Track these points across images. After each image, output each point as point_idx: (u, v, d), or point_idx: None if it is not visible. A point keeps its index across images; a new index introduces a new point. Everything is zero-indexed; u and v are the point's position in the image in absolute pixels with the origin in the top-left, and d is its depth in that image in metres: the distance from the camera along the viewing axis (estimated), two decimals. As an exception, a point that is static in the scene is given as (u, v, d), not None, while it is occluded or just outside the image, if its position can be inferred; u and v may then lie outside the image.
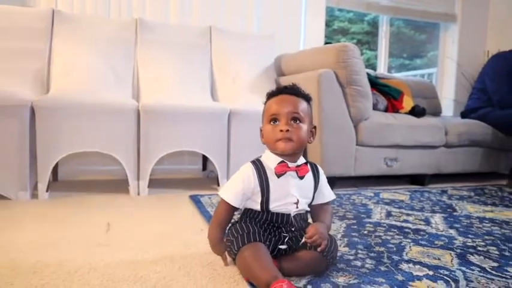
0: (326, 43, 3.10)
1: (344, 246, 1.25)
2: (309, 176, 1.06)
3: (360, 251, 1.20)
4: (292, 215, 1.03)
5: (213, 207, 1.74)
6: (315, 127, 1.06)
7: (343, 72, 2.22)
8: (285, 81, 2.61)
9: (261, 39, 2.81)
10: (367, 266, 1.08)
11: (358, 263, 1.10)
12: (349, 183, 2.42)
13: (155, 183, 2.07)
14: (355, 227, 1.49)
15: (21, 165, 1.81)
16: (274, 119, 1.01)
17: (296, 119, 1.00)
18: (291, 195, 1.02)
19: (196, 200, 1.88)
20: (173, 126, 2.03)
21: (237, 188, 1.02)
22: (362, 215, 1.68)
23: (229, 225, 1.07)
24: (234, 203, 1.02)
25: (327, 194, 1.11)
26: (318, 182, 1.08)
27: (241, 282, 0.97)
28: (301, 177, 1.03)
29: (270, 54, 2.76)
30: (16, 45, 2.18)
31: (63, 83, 2.12)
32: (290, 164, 1.02)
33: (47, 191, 1.87)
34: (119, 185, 2.16)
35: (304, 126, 1.01)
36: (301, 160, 1.05)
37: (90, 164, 2.51)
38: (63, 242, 1.25)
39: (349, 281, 0.98)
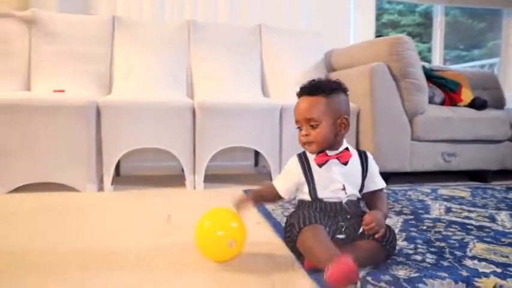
0: (377, 37, 3.03)
1: (402, 241, 1.23)
2: (356, 162, 1.08)
3: (419, 246, 1.18)
4: (344, 201, 1.05)
5: (266, 202, 1.78)
6: (345, 118, 1.05)
7: (397, 65, 2.16)
8: (336, 76, 2.58)
9: (310, 35, 2.81)
10: (428, 260, 1.06)
11: (418, 257, 1.08)
12: (404, 179, 2.35)
13: (210, 178, 2.14)
14: (413, 222, 1.46)
15: (88, 161, 1.95)
16: (297, 126, 1.09)
17: (312, 123, 1.04)
18: (336, 181, 1.05)
19: (249, 195, 1.93)
20: (226, 123, 2.09)
21: (285, 179, 1.11)
22: (420, 211, 1.63)
23: (289, 214, 1.11)
24: (281, 191, 1.10)
25: (378, 181, 1.11)
26: (367, 169, 1.09)
27: (299, 269, 0.99)
28: (345, 163, 1.05)
29: (318, 50, 2.75)
30: (82, 51, 2.35)
31: (124, 84, 2.27)
32: (330, 153, 1.05)
33: (111, 184, 2.00)
34: (176, 180, 2.26)
35: (324, 127, 1.03)
36: (343, 147, 1.08)
37: (149, 160, 2.64)
38: (129, 231, 1.35)
39: (410, 274, 0.96)
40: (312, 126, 1.04)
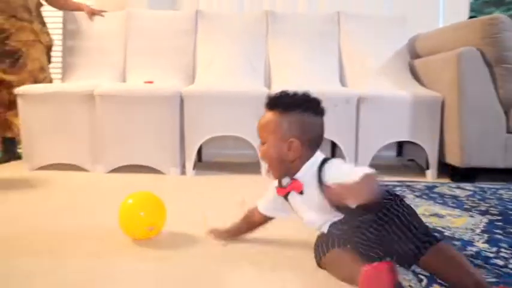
0: (471, 18, 2.76)
1: (483, 243, 1.14)
2: (311, 185, 0.93)
3: (503, 250, 1.09)
4: (325, 229, 0.95)
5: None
6: (292, 142, 0.92)
7: (490, 49, 1.96)
8: (420, 64, 2.44)
9: (392, 20, 2.66)
10: (511, 266, 0.98)
11: (500, 262, 1.00)
12: (496, 177, 2.14)
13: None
14: (500, 223, 1.34)
15: (173, 146, 2.13)
16: None
17: (262, 140, 0.98)
18: (302, 212, 0.99)
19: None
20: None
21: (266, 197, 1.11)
22: (510, 212, 1.49)
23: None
24: (262, 210, 1.10)
25: (350, 178, 0.80)
26: (321, 181, 0.91)
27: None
28: (301, 192, 0.95)
29: (402, 36, 2.60)
30: (168, 44, 2.55)
31: (205, 74, 2.41)
32: (285, 181, 0.99)
33: (193, 169, 2.16)
34: (253, 167, 2.35)
35: (269, 146, 0.95)
36: (300, 172, 0.95)
37: (228, 148, 2.77)
38: (209, 213, 1.45)
39: (486, 279, 0.90)
40: (263, 143, 0.98)
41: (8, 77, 2.36)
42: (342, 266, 0.87)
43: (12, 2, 2.35)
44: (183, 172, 2.17)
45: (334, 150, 2.69)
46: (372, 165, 2.14)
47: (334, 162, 0.94)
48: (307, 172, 0.94)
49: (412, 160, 2.56)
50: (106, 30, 2.61)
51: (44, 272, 0.95)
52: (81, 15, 2.62)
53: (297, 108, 0.94)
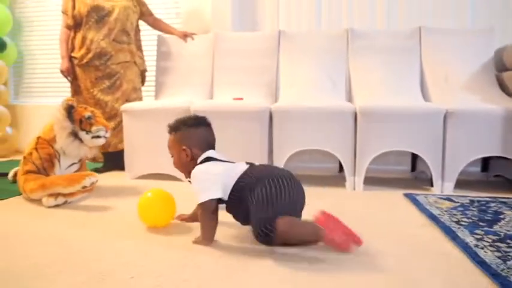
0: None
1: None
2: None
3: None
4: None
5: (431, 206, 1.78)
6: (183, 149, 1.37)
7: None
8: (509, 77, 2.38)
9: (477, 33, 2.62)
10: None
11: None
12: None
13: (368, 180, 2.23)
14: None
15: (261, 160, 2.25)
16: None
17: (171, 155, 1.44)
18: None
19: (412, 198, 1.95)
20: (388, 127, 2.14)
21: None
22: None
23: None
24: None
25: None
26: None
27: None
28: None
29: (487, 49, 2.55)
30: (252, 64, 2.71)
31: (289, 91, 2.53)
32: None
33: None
34: (333, 180, 2.42)
35: (175, 158, 1.42)
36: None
37: (303, 161, 2.85)
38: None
39: None
40: (172, 156, 1.43)
41: (105, 98, 2.61)
42: (297, 228, 1.23)
43: (114, 28, 2.59)
44: (270, 183, 2.28)
45: (415, 164, 2.68)
46: (458, 181, 2.15)
47: (193, 173, 1.33)
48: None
49: (498, 176, 2.48)
50: (195, 51, 2.83)
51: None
52: (172, 38, 2.88)
53: (181, 127, 1.40)
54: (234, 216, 1.38)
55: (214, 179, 1.30)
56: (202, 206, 1.29)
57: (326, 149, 2.24)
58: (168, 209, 1.49)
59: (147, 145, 2.39)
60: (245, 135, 2.26)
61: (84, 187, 1.73)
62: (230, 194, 1.30)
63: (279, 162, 2.25)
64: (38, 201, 1.84)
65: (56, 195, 1.78)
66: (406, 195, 2.03)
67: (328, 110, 2.21)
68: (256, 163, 1.42)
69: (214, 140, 1.44)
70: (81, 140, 1.98)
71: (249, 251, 1.24)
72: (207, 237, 1.31)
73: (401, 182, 2.47)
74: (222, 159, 1.39)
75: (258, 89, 2.63)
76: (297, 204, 1.30)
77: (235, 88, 2.65)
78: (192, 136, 1.39)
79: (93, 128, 1.97)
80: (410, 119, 2.14)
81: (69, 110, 1.95)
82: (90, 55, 2.55)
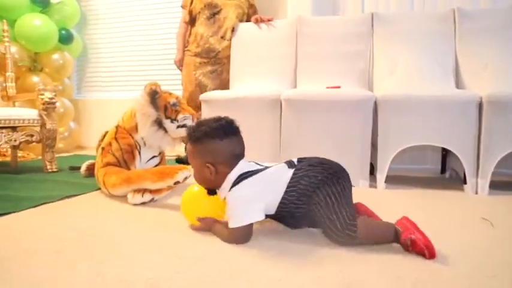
0: None
1: None
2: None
3: None
4: None
5: None
6: (207, 166, 1.14)
7: None
8: None
9: None
10: None
11: None
12: None
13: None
14: None
15: (363, 156, 1.93)
16: None
17: (191, 165, 1.21)
18: None
19: None
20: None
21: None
22: None
23: None
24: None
25: (229, 221, 1.13)
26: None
27: None
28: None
29: None
30: (341, 50, 2.40)
31: (390, 80, 2.19)
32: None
33: (385, 181, 1.93)
34: (441, 183, 2.05)
35: (196, 170, 1.19)
36: (222, 187, 1.17)
37: (397, 162, 2.50)
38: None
39: None
40: (192, 167, 1.21)
41: (206, 81, 2.59)
42: (374, 230, 1.09)
43: (222, 26, 2.60)
44: (372, 185, 1.95)
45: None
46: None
47: (232, 196, 1.13)
48: (225, 188, 1.16)
49: None
50: (274, 37, 2.56)
51: None
52: (250, 25, 2.63)
53: (203, 138, 1.15)
54: (280, 221, 1.23)
55: (259, 200, 1.13)
56: (233, 231, 1.11)
57: (443, 146, 1.90)
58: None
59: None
60: (345, 128, 1.95)
61: (177, 182, 1.48)
62: (279, 207, 1.14)
63: (385, 159, 1.93)
64: (120, 197, 1.62)
65: (143, 191, 1.54)
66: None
67: (446, 100, 1.86)
68: (295, 160, 1.20)
69: (243, 148, 1.19)
70: (165, 130, 1.75)
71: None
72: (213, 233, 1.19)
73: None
74: (256, 168, 1.17)
75: (349, 77, 2.32)
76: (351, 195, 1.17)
77: (321, 76, 2.35)
78: (217, 151, 1.14)
79: (179, 116, 1.74)
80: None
81: (153, 96, 1.72)
82: (199, 49, 2.59)
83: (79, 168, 2.19)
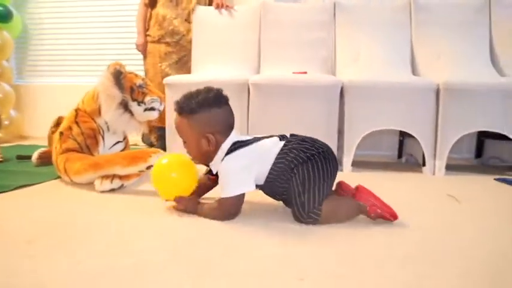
0: None
1: None
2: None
3: None
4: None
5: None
6: (207, 136, 1.11)
7: None
8: None
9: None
10: None
11: None
12: None
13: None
14: None
15: (331, 141, 1.97)
16: None
17: (183, 139, 1.16)
18: None
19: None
20: (478, 104, 1.90)
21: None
22: None
23: None
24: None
25: (223, 189, 1.12)
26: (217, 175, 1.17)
27: None
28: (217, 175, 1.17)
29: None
30: (305, 37, 2.42)
31: (353, 67, 2.26)
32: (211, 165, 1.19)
33: (352, 165, 1.99)
34: (400, 166, 2.16)
35: (190, 144, 1.15)
36: (214, 160, 1.15)
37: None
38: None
39: None
40: (184, 142, 1.17)
41: (172, 73, 2.47)
42: (337, 213, 1.11)
43: (186, 8, 2.52)
44: (340, 169, 2.00)
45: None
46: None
47: (225, 166, 1.11)
48: (217, 161, 1.14)
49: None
50: (237, 23, 2.52)
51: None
52: (210, 9, 2.56)
53: (201, 108, 1.10)
54: (268, 194, 1.22)
55: (250, 170, 1.11)
56: (223, 202, 1.11)
57: (403, 129, 2.00)
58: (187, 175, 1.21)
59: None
60: (312, 113, 1.98)
61: (149, 167, 1.40)
62: (267, 177, 1.13)
63: (351, 143, 1.99)
64: (84, 185, 1.51)
65: (112, 177, 1.44)
66: (498, 179, 1.80)
67: (408, 86, 1.96)
68: (288, 135, 1.19)
69: (234, 119, 1.18)
70: (131, 113, 1.65)
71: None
72: (200, 215, 1.15)
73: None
74: (248, 139, 1.17)
75: (313, 64, 2.35)
76: (335, 178, 1.17)
77: (285, 63, 2.36)
78: (215, 120, 1.12)
79: (147, 99, 1.65)
80: (493, 96, 1.90)
81: (118, 76, 1.61)
82: (162, 32, 2.50)
83: (28, 157, 2.00)
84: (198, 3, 2.55)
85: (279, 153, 1.12)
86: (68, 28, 3.30)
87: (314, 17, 2.46)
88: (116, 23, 3.21)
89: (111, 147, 1.71)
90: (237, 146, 1.12)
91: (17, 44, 3.31)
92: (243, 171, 1.10)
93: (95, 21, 3.26)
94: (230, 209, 1.11)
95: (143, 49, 2.57)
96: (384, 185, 1.69)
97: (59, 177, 1.64)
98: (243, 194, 1.11)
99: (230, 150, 1.11)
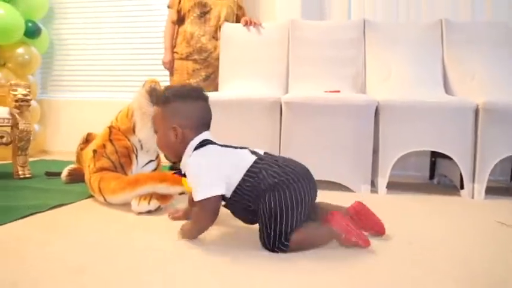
0: None
1: None
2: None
3: None
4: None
5: None
6: (174, 128, 1.08)
7: None
8: None
9: None
10: None
11: None
12: None
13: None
14: None
15: (365, 161, 1.92)
16: None
17: (155, 130, 1.15)
18: None
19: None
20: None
21: None
22: None
23: None
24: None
25: (194, 192, 1.06)
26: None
27: None
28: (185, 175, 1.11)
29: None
30: (334, 54, 2.39)
31: (384, 85, 2.21)
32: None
33: (387, 186, 1.93)
34: (434, 189, 2.09)
35: (160, 135, 1.13)
36: (183, 159, 1.10)
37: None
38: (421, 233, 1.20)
39: None
40: (155, 132, 1.15)
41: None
42: (307, 244, 1.04)
43: (214, 25, 2.52)
44: (373, 190, 1.94)
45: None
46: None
47: (192, 161, 1.06)
48: (186, 160, 1.09)
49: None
50: (264, 40, 2.51)
51: None
52: (238, 26, 2.55)
53: (174, 99, 1.09)
54: (234, 214, 1.14)
55: (219, 171, 1.04)
56: (204, 203, 1.03)
57: (441, 151, 1.93)
58: None
59: (222, 142, 2.03)
60: (345, 132, 1.93)
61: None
62: (234, 191, 1.05)
63: (386, 164, 1.93)
64: (119, 206, 1.47)
65: (149, 198, 1.40)
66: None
67: (446, 106, 1.90)
68: (261, 152, 1.12)
69: (210, 118, 1.15)
70: (166, 132, 1.62)
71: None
72: (195, 235, 1.10)
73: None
74: (220, 143, 1.11)
75: (343, 82, 2.31)
76: (311, 203, 1.09)
77: (314, 81, 2.33)
78: (187, 112, 1.09)
79: (182, 117, 1.61)
80: None
81: (153, 94, 1.58)
82: (190, 49, 2.50)
83: (58, 174, 1.98)
84: (226, 20, 2.55)
85: (249, 169, 1.04)
86: (93, 44, 3.33)
87: (343, 34, 2.43)
88: (141, 39, 3.24)
89: (143, 166, 1.68)
90: (206, 143, 1.08)
91: (42, 59, 3.34)
92: (213, 170, 1.04)
93: (119, 37, 3.29)
94: (208, 212, 1.05)
95: (170, 66, 2.56)
96: (424, 209, 1.63)
97: (91, 196, 1.61)
98: (219, 199, 1.04)
99: (198, 147, 1.07)
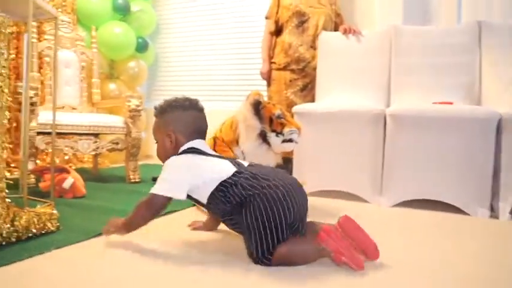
0: None
1: None
2: None
3: None
4: None
5: None
6: (168, 134, 1.17)
7: None
8: None
9: None
10: None
11: None
12: None
13: None
14: None
15: (484, 182, 1.72)
16: None
17: (156, 141, 1.24)
18: None
19: None
20: None
21: None
22: None
23: None
24: None
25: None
26: None
27: None
28: None
29: None
30: (443, 62, 2.19)
31: (504, 97, 1.96)
32: None
33: (510, 212, 1.69)
34: None
35: (159, 144, 1.22)
36: None
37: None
38: None
39: None
40: (156, 143, 1.23)
41: (297, 100, 2.45)
42: (297, 255, 1.04)
43: (312, 35, 2.48)
44: (493, 215, 1.72)
45: None
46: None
47: (167, 163, 1.13)
48: None
49: None
50: (364, 48, 2.40)
51: None
52: (336, 35, 2.49)
53: (169, 109, 1.20)
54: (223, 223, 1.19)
55: (187, 176, 1.09)
56: (152, 197, 1.10)
57: None
58: None
59: (319, 155, 1.99)
60: (460, 149, 1.75)
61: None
62: (208, 199, 1.09)
63: (510, 186, 1.69)
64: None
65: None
66: None
67: None
68: (245, 164, 1.15)
69: (206, 128, 1.24)
70: (268, 144, 1.62)
71: None
72: (129, 229, 1.16)
73: None
74: (209, 152, 1.17)
75: (453, 92, 2.10)
76: (301, 215, 1.09)
77: (420, 91, 2.16)
78: (178, 120, 1.19)
79: (286, 130, 1.60)
80: None
81: (257, 106, 1.60)
82: (288, 59, 2.48)
83: (164, 179, 2.11)
84: (324, 28, 2.50)
85: (225, 180, 1.07)
86: (193, 55, 3.53)
87: (453, 39, 2.21)
88: (240, 49, 3.34)
89: (244, 177, 1.70)
90: (190, 150, 1.14)
91: (148, 71, 3.64)
92: (178, 173, 1.10)
93: (218, 49, 3.43)
94: (152, 207, 1.11)
95: (268, 77, 2.58)
96: None
97: (193, 204, 1.68)
98: (169, 199, 1.10)
99: (182, 152, 1.14)
